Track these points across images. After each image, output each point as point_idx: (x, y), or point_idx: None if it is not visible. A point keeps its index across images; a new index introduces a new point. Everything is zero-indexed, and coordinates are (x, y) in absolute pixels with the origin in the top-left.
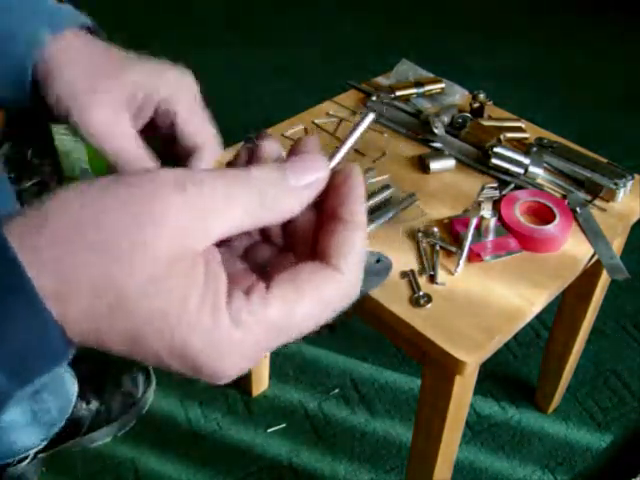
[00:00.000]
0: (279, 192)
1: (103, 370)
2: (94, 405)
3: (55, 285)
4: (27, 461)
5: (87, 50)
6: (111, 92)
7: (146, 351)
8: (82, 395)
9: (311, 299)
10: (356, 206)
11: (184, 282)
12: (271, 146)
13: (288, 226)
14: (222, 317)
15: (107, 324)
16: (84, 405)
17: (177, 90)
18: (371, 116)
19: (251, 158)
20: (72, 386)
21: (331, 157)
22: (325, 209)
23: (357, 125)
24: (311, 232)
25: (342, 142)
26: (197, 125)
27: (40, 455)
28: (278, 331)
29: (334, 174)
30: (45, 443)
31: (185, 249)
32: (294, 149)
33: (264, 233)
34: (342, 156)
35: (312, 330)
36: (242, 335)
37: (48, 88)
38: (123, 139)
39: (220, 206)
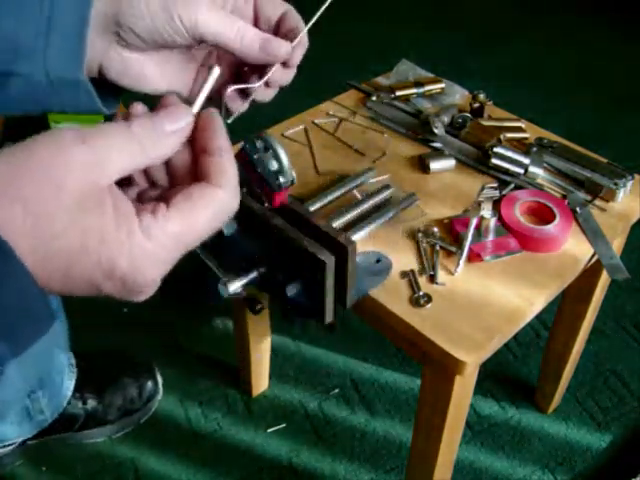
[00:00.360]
0: (156, 138)
1: (110, 372)
2: (90, 405)
3: None
4: (14, 445)
5: None
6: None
7: (81, 281)
8: (79, 394)
9: (205, 211)
10: (221, 139)
11: (98, 212)
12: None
13: (170, 168)
14: (137, 235)
15: (44, 267)
16: (79, 404)
17: None
18: (217, 70)
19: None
20: (68, 381)
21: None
22: (197, 147)
23: (207, 80)
24: (189, 168)
25: (198, 92)
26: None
27: (28, 442)
28: (182, 239)
29: (198, 119)
30: (31, 435)
31: (91, 186)
32: (160, 104)
33: (151, 180)
34: (200, 104)
35: (207, 236)
36: (155, 247)
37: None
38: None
39: (112, 154)
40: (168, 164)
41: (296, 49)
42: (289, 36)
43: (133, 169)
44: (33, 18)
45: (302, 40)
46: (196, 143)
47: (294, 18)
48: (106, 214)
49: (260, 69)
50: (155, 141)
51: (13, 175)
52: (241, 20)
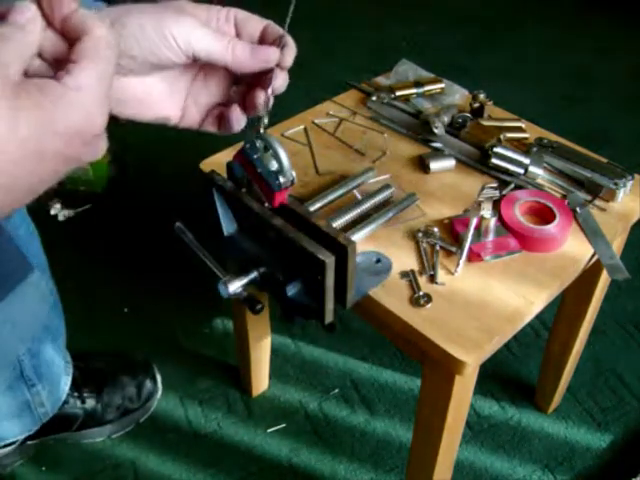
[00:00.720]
0: (16, 32)
1: (108, 371)
2: (89, 404)
3: None
4: (14, 445)
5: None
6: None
7: (51, 156)
8: (78, 394)
9: (97, 56)
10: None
11: (27, 94)
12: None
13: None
14: (66, 92)
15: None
16: (78, 404)
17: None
18: None
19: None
20: (65, 376)
21: None
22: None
23: None
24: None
25: None
26: (252, 16)
27: (29, 442)
28: (99, 81)
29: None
30: (30, 432)
31: (6, 80)
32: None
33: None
34: None
35: (111, 65)
36: (83, 94)
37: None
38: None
39: (8, 57)
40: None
41: (286, 53)
42: (275, 44)
43: (25, 60)
44: None
45: (289, 44)
46: (54, 23)
47: (275, 29)
48: (33, 93)
49: (255, 82)
50: (15, 33)
51: None
52: (228, 35)
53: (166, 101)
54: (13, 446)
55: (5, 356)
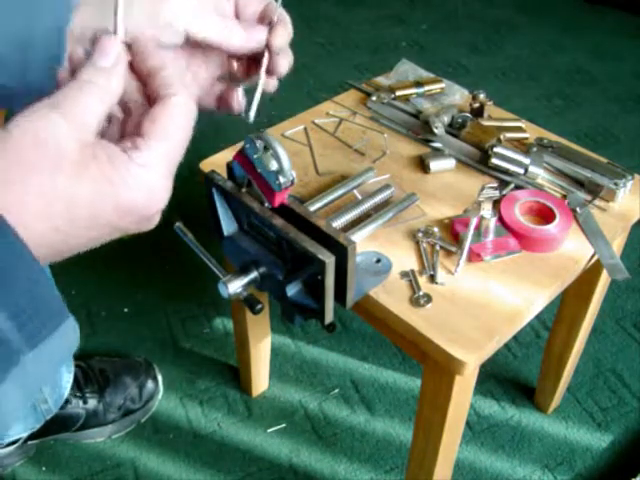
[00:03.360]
0: (100, 79)
1: (110, 372)
2: (91, 404)
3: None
4: (16, 445)
5: None
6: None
7: (103, 225)
8: (80, 394)
9: (172, 122)
10: (155, 57)
11: (96, 164)
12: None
13: (122, 100)
14: (134, 169)
15: (63, 218)
16: (80, 404)
17: None
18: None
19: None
20: (67, 374)
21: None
22: (140, 73)
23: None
24: (140, 94)
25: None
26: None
27: (29, 442)
28: (168, 156)
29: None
30: (32, 431)
31: (81, 146)
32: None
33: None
34: (122, 29)
35: (186, 141)
36: (150, 172)
37: None
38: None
39: (85, 111)
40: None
41: (281, 33)
42: (272, 24)
43: (104, 111)
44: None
45: (286, 25)
46: (137, 68)
47: (273, 10)
48: (103, 162)
49: (252, 63)
50: (102, 81)
51: (6, 164)
52: (223, 17)
53: None
54: (15, 446)
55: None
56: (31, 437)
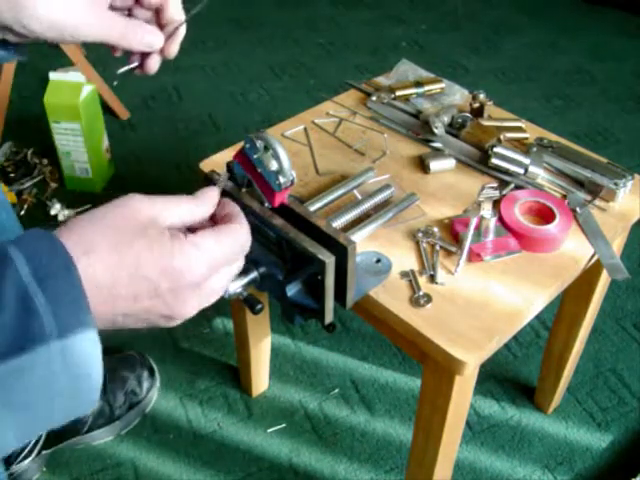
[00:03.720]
0: (199, 212)
1: (107, 369)
2: (97, 404)
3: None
4: (30, 458)
5: None
6: None
7: (142, 278)
8: None
9: (228, 237)
10: (236, 211)
11: (157, 233)
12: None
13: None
14: (185, 243)
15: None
16: None
17: None
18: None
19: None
20: None
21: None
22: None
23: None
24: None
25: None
26: None
27: (43, 452)
28: (213, 254)
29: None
30: (44, 436)
31: (153, 223)
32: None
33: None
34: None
35: (232, 258)
36: (197, 251)
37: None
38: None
39: (170, 210)
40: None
41: (173, 40)
42: (168, 26)
43: (184, 221)
44: None
45: (179, 32)
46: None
47: (173, 7)
48: (164, 234)
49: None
50: (200, 209)
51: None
52: (119, 18)
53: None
54: (30, 459)
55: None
56: (44, 447)
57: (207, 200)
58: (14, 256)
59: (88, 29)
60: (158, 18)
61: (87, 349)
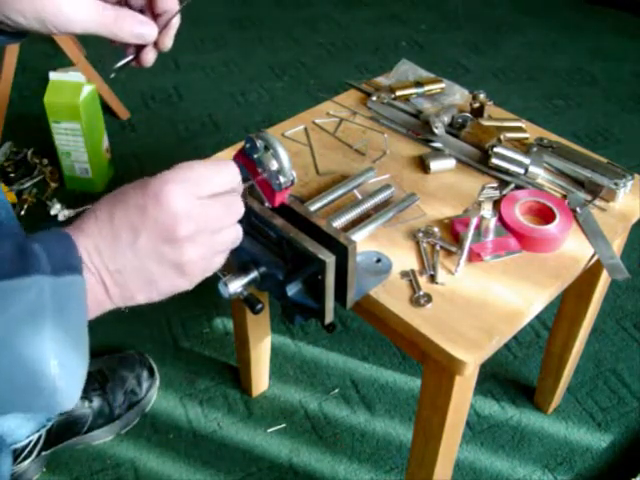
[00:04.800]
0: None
1: (107, 369)
2: (96, 403)
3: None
4: (30, 459)
5: None
6: None
7: (130, 207)
8: (85, 394)
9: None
10: None
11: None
12: None
13: None
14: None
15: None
16: (86, 404)
17: None
18: None
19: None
20: None
21: None
22: None
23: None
24: None
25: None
26: None
27: (43, 453)
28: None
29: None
30: (45, 428)
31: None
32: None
33: None
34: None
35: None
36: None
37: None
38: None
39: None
40: None
41: (167, 32)
42: (161, 16)
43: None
44: None
45: (173, 23)
46: None
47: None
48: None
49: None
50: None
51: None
52: (111, 9)
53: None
54: (30, 459)
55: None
56: (44, 447)
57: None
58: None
59: (78, 21)
60: (152, 8)
61: (74, 290)
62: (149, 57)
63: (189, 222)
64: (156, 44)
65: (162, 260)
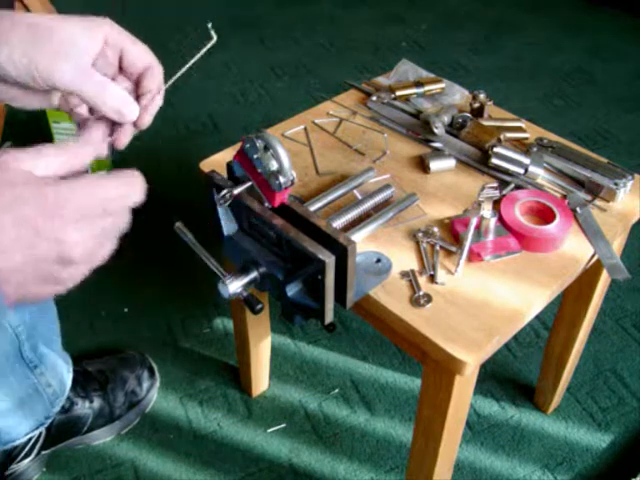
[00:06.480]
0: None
1: (107, 369)
2: (97, 404)
3: None
4: (30, 458)
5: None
6: (73, 50)
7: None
8: (85, 394)
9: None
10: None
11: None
12: None
13: None
14: (56, 185)
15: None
16: (86, 404)
17: (118, 32)
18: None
19: None
20: (67, 374)
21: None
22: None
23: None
24: None
25: None
26: (142, 50)
27: (43, 453)
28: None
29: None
30: (44, 426)
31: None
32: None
33: None
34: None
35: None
36: (71, 185)
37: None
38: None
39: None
40: None
41: (146, 111)
42: (145, 96)
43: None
44: None
45: (154, 104)
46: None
47: (152, 79)
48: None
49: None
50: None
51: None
52: (102, 77)
53: (40, 99)
54: (29, 458)
55: None
56: (44, 447)
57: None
58: None
59: (68, 80)
60: (137, 89)
61: None
62: (125, 137)
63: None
64: (135, 122)
65: (48, 255)
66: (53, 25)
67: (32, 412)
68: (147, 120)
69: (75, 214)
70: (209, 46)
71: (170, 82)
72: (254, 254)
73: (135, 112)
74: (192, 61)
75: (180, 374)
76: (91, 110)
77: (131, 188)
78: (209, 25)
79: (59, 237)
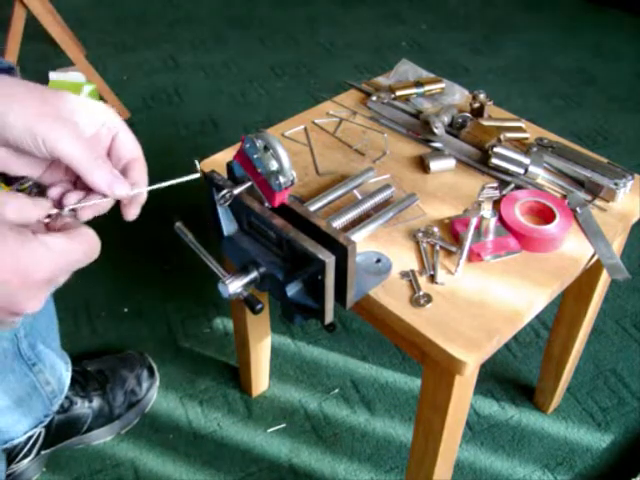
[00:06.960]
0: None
1: (107, 369)
2: (96, 403)
3: None
4: (29, 458)
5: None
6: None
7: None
8: (84, 394)
9: (79, 244)
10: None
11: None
12: None
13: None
14: (34, 243)
15: None
16: (86, 403)
17: (113, 117)
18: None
19: None
20: (65, 373)
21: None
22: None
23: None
24: None
25: None
26: (134, 141)
27: (42, 452)
28: (63, 253)
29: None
30: (43, 424)
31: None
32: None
33: None
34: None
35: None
36: (48, 250)
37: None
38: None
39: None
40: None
41: (132, 203)
42: (134, 188)
43: (22, 217)
44: None
45: (140, 196)
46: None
47: (139, 172)
48: (11, 230)
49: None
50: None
51: None
52: (97, 153)
53: (27, 167)
54: (29, 458)
55: None
56: (44, 447)
57: (43, 202)
58: None
59: (68, 153)
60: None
61: None
62: (133, 210)
63: None
64: (121, 211)
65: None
66: (60, 95)
67: (31, 410)
68: (133, 212)
69: (44, 281)
70: (190, 178)
71: (143, 190)
72: (254, 254)
73: (124, 191)
74: (166, 183)
75: (180, 374)
76: (76, 183)
77: (96, 252)
78: (196, 161)
79: (20, 301)
